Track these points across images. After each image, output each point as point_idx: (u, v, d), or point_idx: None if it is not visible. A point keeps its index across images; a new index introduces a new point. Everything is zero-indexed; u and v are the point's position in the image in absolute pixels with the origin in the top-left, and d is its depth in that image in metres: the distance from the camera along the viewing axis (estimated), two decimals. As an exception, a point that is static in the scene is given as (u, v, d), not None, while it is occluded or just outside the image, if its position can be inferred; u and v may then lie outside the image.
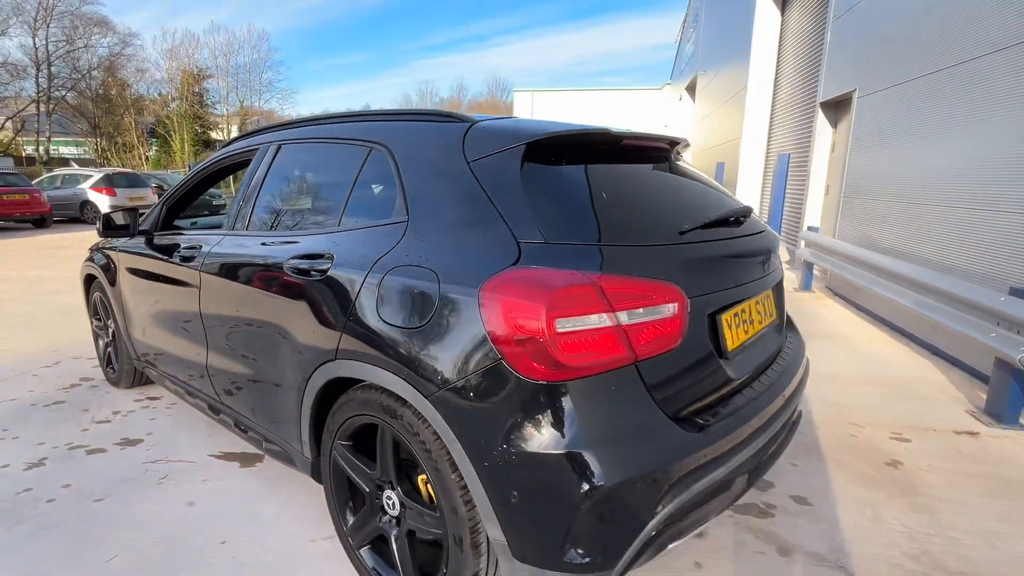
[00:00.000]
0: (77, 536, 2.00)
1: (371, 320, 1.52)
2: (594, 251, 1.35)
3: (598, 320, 1.25)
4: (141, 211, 2.93)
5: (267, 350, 1.95)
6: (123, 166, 31.98)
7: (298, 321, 1.77)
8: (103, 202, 14.14)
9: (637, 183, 1.70)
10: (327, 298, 1.66)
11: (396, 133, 1.78)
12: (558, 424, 1.23)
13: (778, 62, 10.11)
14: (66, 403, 3.19)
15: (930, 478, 2.41)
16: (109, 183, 14.43)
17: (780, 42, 10.02)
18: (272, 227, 2.13)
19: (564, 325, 1.23)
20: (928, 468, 2.49)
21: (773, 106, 10.36)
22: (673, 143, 1.98)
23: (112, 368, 3.39)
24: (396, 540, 1.61)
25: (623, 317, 1.28)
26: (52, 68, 30.51)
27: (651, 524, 1.26)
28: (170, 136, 36.65)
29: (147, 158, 37.69)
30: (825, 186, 7.09)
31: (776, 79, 10.21)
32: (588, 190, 1.51)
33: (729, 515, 2.13)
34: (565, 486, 1.21)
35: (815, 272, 6.46)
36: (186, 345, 2.47)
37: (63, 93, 31.52)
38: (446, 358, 1.34)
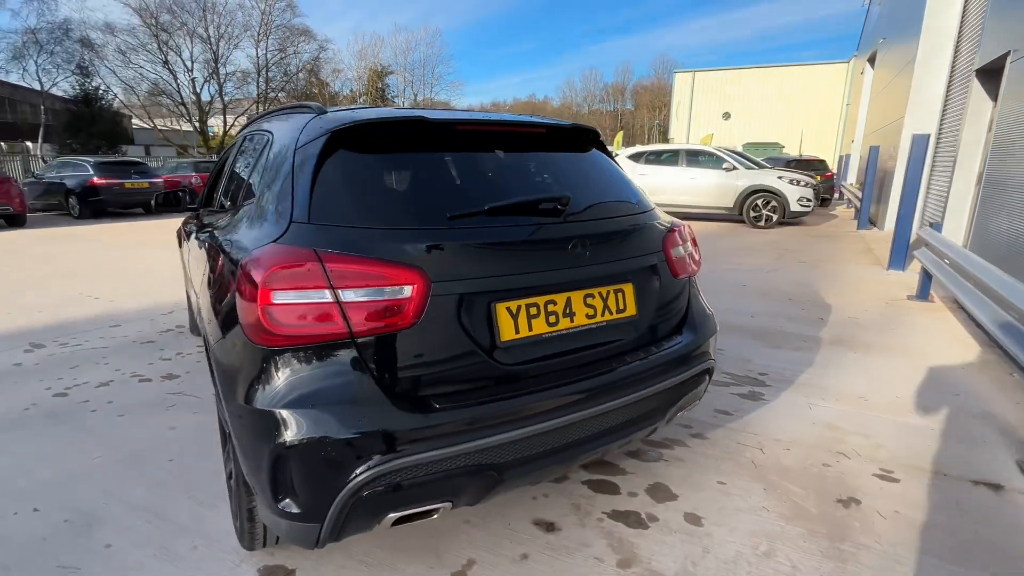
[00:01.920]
0: (91, 438, 2.65)
1: (207, 286, 1.81)
2: (347, 232, 1.45)
3: (317, 296, 1.37)
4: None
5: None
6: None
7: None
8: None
9: (441, 169, 1.72)
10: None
11: (277, 122, 2.03)
12: (269, 385, 1.39)
13: (960, 25, 8.30)
14: (154, 343, 4.07)
15: (881, 526, 2.01)
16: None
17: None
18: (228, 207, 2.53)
19: (280, 298, 1.37)
20: (890, 515, 2.07)
21: (951, 76, 8.55)
22: (539, 129, 1.93)
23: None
24: (228, 478, 1.89)
25: (346, 295, 1.38)
26: (269, 73, 36.67)
27: (350, 485, 1.35)
28: (356, 128, 41.92)
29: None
30: (977, 173, 5.77)
31: (956, 44, 8.40)
32: (371, 175, 1.61)
33: (601, 515, 2.04)
34: (270, 440, 1.36)
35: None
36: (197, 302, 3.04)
37: (275, 94, 37.68)
38: (222, 319, 1.57)
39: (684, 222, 2.23)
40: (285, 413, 1.35)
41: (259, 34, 35.54)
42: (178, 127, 35.18)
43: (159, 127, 34.22)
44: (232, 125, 36.39)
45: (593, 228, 1.77)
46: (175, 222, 10.85)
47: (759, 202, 10.67)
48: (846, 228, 10.87)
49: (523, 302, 1.59)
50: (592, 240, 1.73)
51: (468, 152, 1.79)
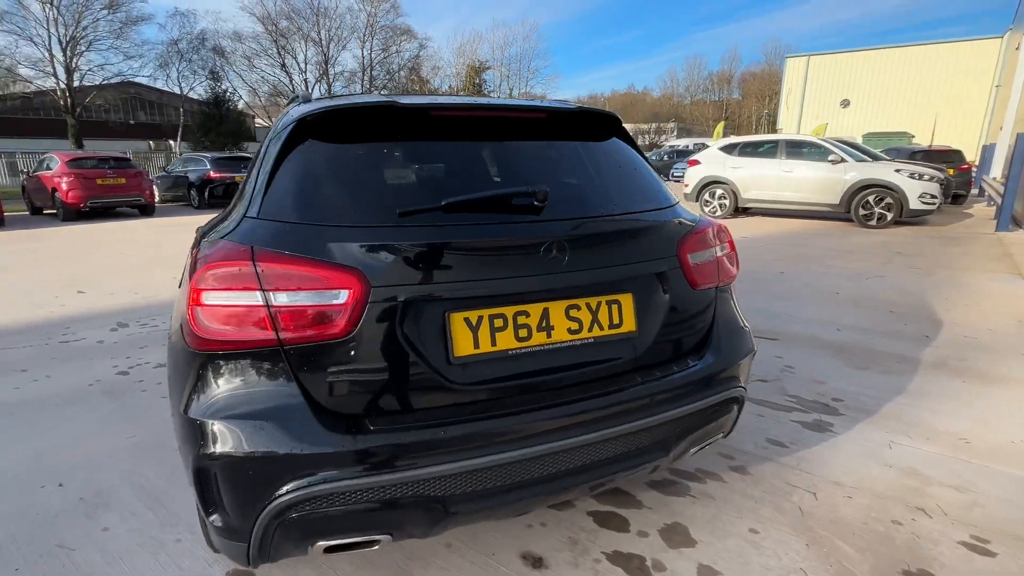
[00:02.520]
0: (132, 418, 2.80)
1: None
2: (295, 229, 1.34)
3: (248, 298, 1.26)
4: None
5: None
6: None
7: None
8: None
9: (409, 161, 1.55)
10: None
11: (278, 116, 1.97)
12: (197, 393, 1.30)
13: None
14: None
15: (957, 612, 1.58)
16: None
17: None
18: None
19: (210, 298, 1.27)
20: (973, 598, 1.62)
21: None
22: (538, 115, 1.70)
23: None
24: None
25: (277, 298, 1.25)
26: (373, 72, 38.63)
27: (271, 506, 1.23)
28: (452, 122, 43.34)
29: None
30: None
31: None
32: (331, 167, 1.47)
33: (600, 556, 1.79)
34: (196, 451, 1.27)
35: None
36: None
37: (379, 92, 39.64)
38: (174, 320, 1.51)
39: (717, 221, 1.89)
40: (210, 424, 1.25)
41: (365, 35, 37.55)
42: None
43: (276, 125, 37.22)
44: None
45: (582, 228, 1.51)
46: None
47: (870, 198, 9.44)
48: (982, 229, 9.33)
49: (486, 312, 1.39)
50: (580, 242, 1.48)
51: (448, 142, 1.60)
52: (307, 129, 1.50)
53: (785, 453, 2.42)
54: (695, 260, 1.68)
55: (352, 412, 1.30)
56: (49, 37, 28.07)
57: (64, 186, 11.66)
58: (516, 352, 1.42)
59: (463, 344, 1.36)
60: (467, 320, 1.37)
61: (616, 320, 1.54)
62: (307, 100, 1.73)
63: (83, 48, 29.31)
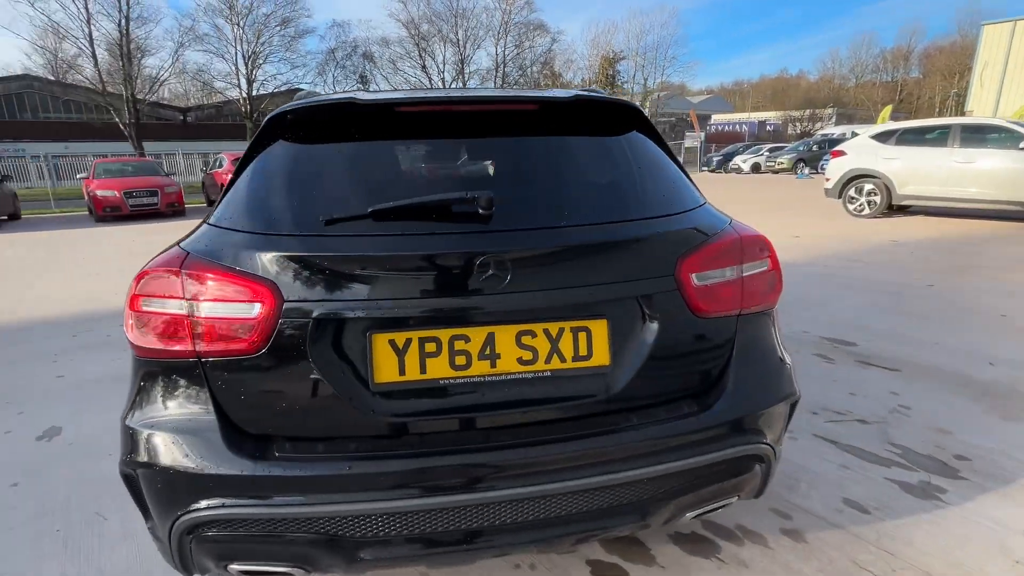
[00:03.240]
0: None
1: None
2: (234, 236, 1.29)
3: (173, 306, 1.22)
4: None
5: None
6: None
7: None
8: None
9: (362, 163, 1.40)
10: None
11: None
12: (131, 398, 1.30)
13: None
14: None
15: None
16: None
17: None
18: None
19: (142, 306, 1.25)
20: None
21: None
22: (527, 106, 1.48)
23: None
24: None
25: (197, 308, 1.21)
26: (506, 68, 39.53)
27: (179, 521, 1.19)
28: (583, 117, 43.11)
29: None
30: None
31: None
32: (285, 170, 1.39)
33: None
34: (124, 454, 1.27)
35: None
36: None
37: (511, 87, 40.57)
38: None
39: (750, 230, 1.51)
40: (133, 430, 1.25)
41: (499, 33, 38.52)
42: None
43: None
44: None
45: (543, 240, 1.27)
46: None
47: (1082, 196, 7.49)
48: None
49: (415, 335, 1.22)
50: (537, 256, 1.24)
51: (414, 141, 1.45)
52: (276, 130, 1.44)
53: (864, 521, 1.92)
54: (703, 280, 1.35)
55: (261, 435, 1.21)
56: (236, 53, 32.73)
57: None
58: (451, 382, 1.23)
59: (386, 369, 1.21)
60: (392, 343, 1.21)
61: (584, 351, 1.28)
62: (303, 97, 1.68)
63: (261, 61, 33.74)
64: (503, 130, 1.49)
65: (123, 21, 29.34)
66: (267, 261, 1.20)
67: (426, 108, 1.45)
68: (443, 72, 38.74)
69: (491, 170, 1.46)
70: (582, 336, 1.27)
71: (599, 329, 1.28)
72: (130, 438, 1.24)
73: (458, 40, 37.91)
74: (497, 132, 1.48)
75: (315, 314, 1.18)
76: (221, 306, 1.19)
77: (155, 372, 1.25)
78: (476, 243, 1.22)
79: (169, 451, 1.19)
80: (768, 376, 1.44)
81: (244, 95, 33.38)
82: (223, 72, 33.26)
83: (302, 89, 36.71)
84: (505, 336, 1.24)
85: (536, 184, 1.40)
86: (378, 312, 1.19)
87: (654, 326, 1.31)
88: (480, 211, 1.23)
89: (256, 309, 1.18)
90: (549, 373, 1.27)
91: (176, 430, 1.21)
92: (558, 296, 1.25)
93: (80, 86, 30.23)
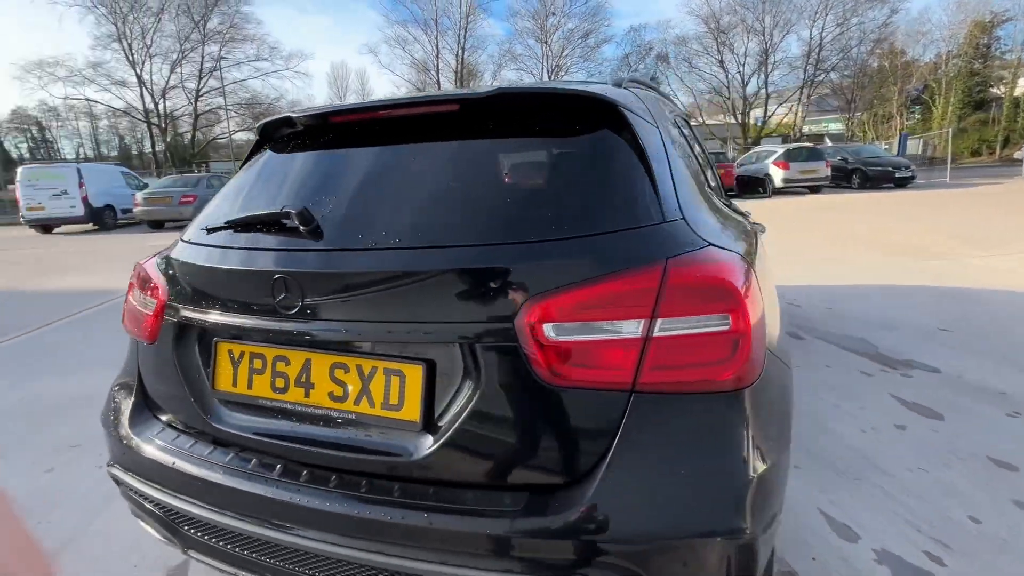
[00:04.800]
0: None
1: None
2: (194, 236, 1.48)
3: (131, 297, 1.48)
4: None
5: None
6: (876, 139, 32.80)
7: None
8: (777, 175, 15.75)
9: (284, 174, 1.38)
10: None
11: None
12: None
13: None
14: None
15: None
16: (787, 158, 15.82)
17: None
18: None
19: (129, 295, 1.53)
20: None
21: None
22: (447, 107, 1.27)
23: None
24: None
25: (142, 300, 1.42)
26: (820, 54, 34.13)
27: (108, 469, 1.44)
28: (933, 102, 34.27)
29: (903, 128, 36.69)
30: None
31: None
32: (236, 180, 1.51)
33: None
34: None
35: None
36: None
37: (823, 76, 34.80)
38: None
39: (715, 265, 1.00)
40: (112, 387, 1.55)
41: (816, 13, 33.44)
42: (724, 121, 37.92)
43: (707, 122, 37.83)
44: (770, 115, 36.34)
45: (357, 262, 1.08)
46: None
47: None
48: None
49: (247, 348, 1.20)
50: (350, 281, 1.08)
51: (333, 151, 1.39)
52: (263, 140, 1.56)
53: None
54: (564, 334, 0.96)
55: (156, 414, 1.37)
56: (542, 69, 36.53)
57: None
58: (269, 403, 1.18)
59: (223, 378, 1.23)
60: (230, 353, 1.22)
61: (394, 399, 1.06)
62: None
63: (562, 73, 36.88)
64: (415, 137, 1.31)
65: (460, 52, 35.81)
66: (162, 263, 1.35)
67: (350, 118, 1.39)
68: (743, 66, 35.77)
69: (371, 181, 1.30)
70: (395, 381, 1.06)
71: (413, 377, 1.05)
72: (109, 393, 1.54)
73: (763, 29, 34.39)
74: (410, 139, 1.32)
75: (178, 315, 1.27)
76: (139, 298, 1.39)
77: (131, 346, 1.53)
78: (283, 261, 1.13)
79: (109, 407, 1.45)
80: (689, 489, 0.95)
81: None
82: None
83: (597, 96, 38.75)
84: (320, 365, 1.12)
85: (397, 198, 1.19)
86: (218, 321, 1.21)
87: (480, 386, 1.00)
88: (301, 228, 1.13)
89: (152, 305, 1.34)
90: (354, 416, 1.09)
91: (120, 393, 1.46)
92: (368, 329, 1.07)
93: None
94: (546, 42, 36.13)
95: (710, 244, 1.07)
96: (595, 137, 1.19)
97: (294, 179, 1.35)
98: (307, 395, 1.14)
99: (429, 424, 1.04)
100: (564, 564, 0.94)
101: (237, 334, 1.20)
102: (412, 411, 1.04)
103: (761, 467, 0.98)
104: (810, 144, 17.69)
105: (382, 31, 63.10)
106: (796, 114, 36.16)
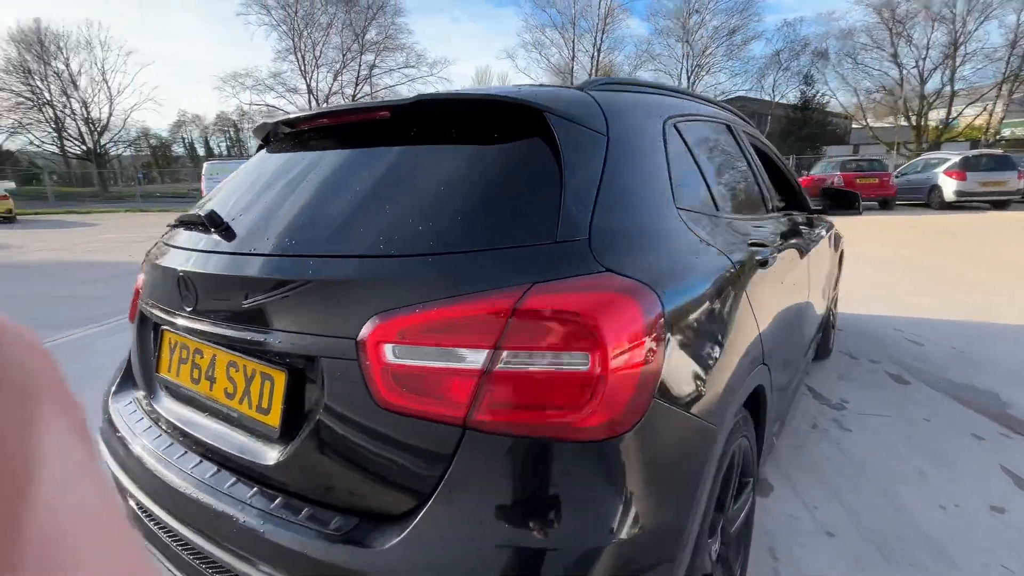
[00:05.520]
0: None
1: None
2: None
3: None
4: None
5: None
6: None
7: None
8: (948, 187, 13.40)
9: (255, 177, 1.43)
10: None
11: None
12: None
13: None
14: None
15: None
16: (964, 166, 13.38)
17: None
18: None
19: None
20: None
21: None
22: (381, 114, 1.25)
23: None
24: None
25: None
26: (1027, 44, 28.43)
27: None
28: None
29: None
30: None
31: None
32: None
33: None
34: None
35: None
36: None
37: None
38: None
39: (600, 298, 0.88)
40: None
41: (1027, -6, 27.88)
42: (894, 124, 33.28)
43: (871, 124, 33.49)
44: (956, 116, 31.15)
45: (239, 267, 1.10)
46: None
47: None
48: None
49: (179, 339, 1.28)
50: (234, 284, 1.10)
51: (289, 155, 1.42)
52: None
53: None
54: (403, 357, 0.89)
55: (131, 388, 1.51)
56: (680, 69, 34.96)
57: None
58: (188, 392, 1.25)
59: (163, 363, 1.33)
60: (170, 341, 1.31)
61: (265, 403, 1.07)
62: None
63: (703, 73, 34.97)
64: (345, 145, 1.30)
65: (595, 53, 35.56)
66: (156, 258, 1.46)
67: (304, 125, 1.42)
68: (923, 60, 30.98)
69: (283, 188, 1.27)
70: (267, 385, 1.07)
71: (279, 383, 1.04)
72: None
73: (953, 16, 29.47)
74: (340, 147, 1.30)
75: (144, 303, 1.40)
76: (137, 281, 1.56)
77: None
78: (185, 261, 1.19)
79: (113, 378, 1.64)
80: (513, 553, 0.83)
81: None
82: (667, 88, 36.16)
83: (746, 96, 36.31)
84: (221, 361, 1.17)
85: (292, 206, 1.17)
86: (157, 312, 1.31)
87: (323, 401, 0.96)
88: (211, 230, 1.18)
89: (134, 288, 1.49)
90: (236, 415, 1.12)
91: (122, 366, 1.64)
92: (245, 332, 1.08)
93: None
94: (687, 41, 34.46)
95: (608, 270, 0.93)
96: (505, 147, 1.11)
97: (243, 183, 1.42)
98: (211, 388, 1.19)
99: (287, 433, 1.03)
100: None
101: (170, 325, 1.29)
102: (275, 417, 1.05)
103: (624, 532, 0.83)
104: (997, 151, 14.67)
105: (520, 36, 64.85)
106: (991, 115, 30.53)
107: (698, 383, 1.01)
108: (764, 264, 1.51)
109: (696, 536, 1.00)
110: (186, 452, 1.20)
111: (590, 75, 36.08)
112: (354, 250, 1.00)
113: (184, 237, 1.31)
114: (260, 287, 1.05)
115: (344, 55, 36.52)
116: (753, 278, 1.38)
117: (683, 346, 0.99)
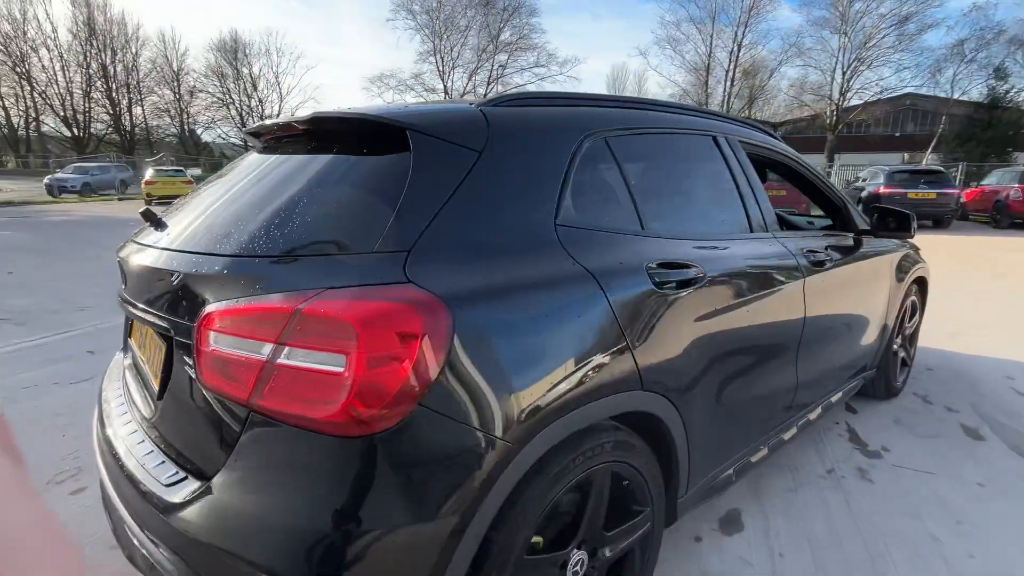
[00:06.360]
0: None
1: None
2: None
3: None
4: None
5: None
6: None
7: None
8: None
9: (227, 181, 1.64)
10: None
11: None
12: None
13: None
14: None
15: None
16: None
17: None
18: None
19: None
20: None
21: None
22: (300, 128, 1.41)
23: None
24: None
25: None
26: None
27: None
28: None
29: None
30: None
31: None
32: None
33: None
34: None
35: None
36: None
37: None
38: None
39: (360, 303, 0.95)
40: None
41: None
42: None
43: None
44: None
45: (144, 258, 1.32)
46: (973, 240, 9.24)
47: None
48: None
49: (136, 323, 1.53)
50: (147, 273, 1.31)
51: (247, 162, 1.59)
52: None
53: None
54: (218, 344, 1.03)
55: None
56: (835, 63, 31.54)
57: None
58: (138, 356, 1.49)
59: (133, 330, 1.59)
60: (135, 327, 1.57)
61: (155, 369, 1.27)
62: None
63: (863, 68, 31.21)
64: (272, 154, 1.45)
65: (735, 49, 33.34)
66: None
67: (251, 138, 1.61)
68: None
69: (212, 192, 1.44)
70: (158, 355, 1.27)
71: (161, 354, 1.24)
72: None
73: None
74: (270, 154, 1.45)
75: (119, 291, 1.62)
76: None
77: None
78: (128, 250, 1.41)
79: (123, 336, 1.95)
80: (260, 522, 0.94)
81: (832, 106, 31.93)
82: (816, 84, 32.83)
83: (916, 93, 31.85)
84: (146, 331, 1.38)
85: (205, 208, 1.35)
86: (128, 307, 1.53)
87: (174, 374, 1.13)
88: (149, 224, 1.41)
89: None
90: (146, 375, 1.34)
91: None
92: (148, 311, 1.26)
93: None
94: (845, 33, 30.94)
95: (411, 282, 0.99)
96: (366, 161, 1.22)
97: (204, 189, 1.61)
98: (143, 353, 1.42)
99: (159, 396, 1.23)
100: (171, 543, 1.03)
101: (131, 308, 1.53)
102: (156, 381, 1.25)
103: (354, 528, 0.91)
104: None
105: (653, 32, 62.57)
106: None
107: (494, 399, 1.02)
108: (686, 284, 1.43)
109: (478, 544, 1.02)
110: (125, 403, 1.46)
111: (727, 72, 33.94)
112: (220, 250, 1.14)
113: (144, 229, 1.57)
114: (157, 276, 1.25)
115: (479, 56, 38.13)
116: (641, 300, 1.31)
117: (479, 362, 1.01)
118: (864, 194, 13.33)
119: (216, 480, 1.01)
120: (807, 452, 2.49)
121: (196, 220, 1.32)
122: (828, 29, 31.66)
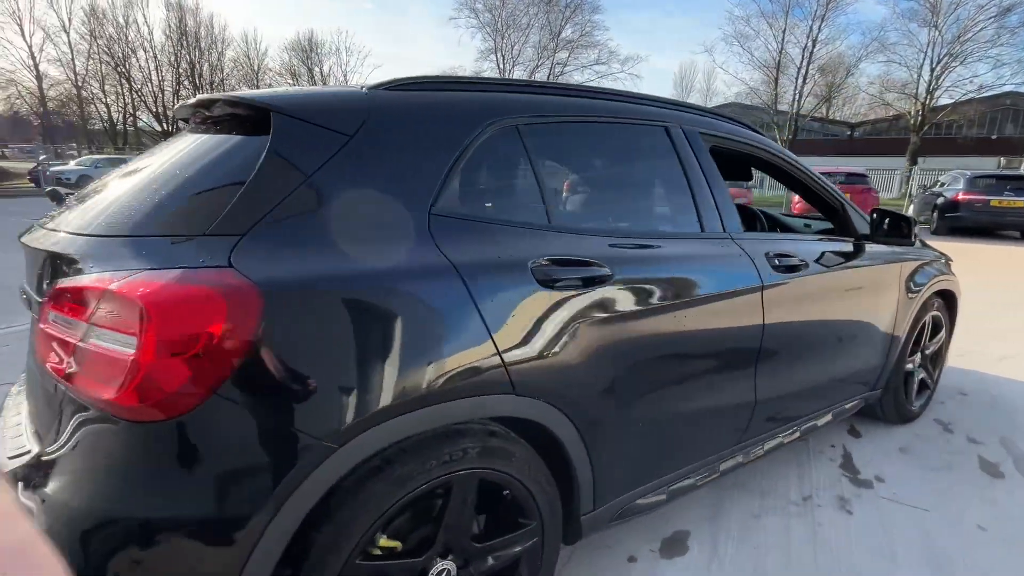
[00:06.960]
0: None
1: None
2: None
3: None
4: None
5: None
6: None
7: None
8: None
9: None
10: None
11: None
12: None
13: None
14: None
15: None
16: None
17: None
18: None
19: None
20: None
21: None
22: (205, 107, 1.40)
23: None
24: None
25: None
26: None
27: None
28: None
29: None
30: None
31: None
32: None
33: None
34: None
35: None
36: None
37: None
38: None
39: (155, 283, 0.92)
40: None
41: None
42: None
43: None
44: None
45: (35, 237, 1.28)
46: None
47: None
48: None
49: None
50: (41, 252, 1.29)
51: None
52: None
53: None
54: (53, 320, 1.04)
55: None
56: (923, 59, 29.16)
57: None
58: None
59: None
60: None
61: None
62: None
63: (955, 64, 28.69)
64: (188, 135, 1.44)
65: (810, 44, 31.53)
66: None
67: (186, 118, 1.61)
68: None
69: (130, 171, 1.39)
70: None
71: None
72: None
73: None
74: (183, 137, 1.45)
75: None
76: None
77: None
78: (28, 231, 1.41)
79: None
80: (67, 487, 0.95)
81: (918, 105, 29.55)
82: (900, 82, 30.49)
83: (1010, 92, 29.09)
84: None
85: (110, 189, 1.33)
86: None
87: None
88: (61, 208, 1.43)
89: None
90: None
91: None
92: (26, 289, 1.29)
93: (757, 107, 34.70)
94: (936, 26, 28.50)
95: (231, 266, 0.96)
96: (230, 141, 1.20)
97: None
98: None
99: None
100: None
101: None
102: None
103: (139, 515, 0.90)
104: None
105: (720, 28, 60.01)
106: None
107: (306, 394, 0.97)
108: (587, 284, 1.31)
109: (286, 541, 0.98)
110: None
111: (799, 69, 32.14)
112: (88, 230, 1.13)
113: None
114: (37, 257, 1.23)
115: (540, 53, 38.05)
116: (517, 298, 1.22)
117: (295, 355, 0.96)
118: (940, 200, 12.24)
119: (40, 456, 1.02)
120: (787, 475, 2.28)
121: (87, 200, 1.34)
122: (916, 22, 29.29)
